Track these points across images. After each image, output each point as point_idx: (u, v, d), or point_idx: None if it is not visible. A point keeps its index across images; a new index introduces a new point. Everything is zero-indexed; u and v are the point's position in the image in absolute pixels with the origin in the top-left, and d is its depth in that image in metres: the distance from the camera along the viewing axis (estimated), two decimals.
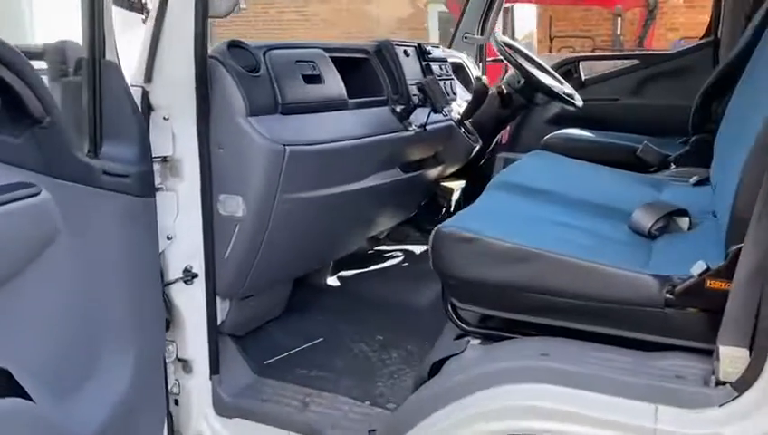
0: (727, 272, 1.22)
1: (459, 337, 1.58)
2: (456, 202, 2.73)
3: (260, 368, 1.86)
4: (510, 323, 1.49)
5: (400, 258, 2.67)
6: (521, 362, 1.35)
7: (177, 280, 1.61)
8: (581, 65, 3.24)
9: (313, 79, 1.83)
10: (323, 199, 1.83)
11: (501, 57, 3.68)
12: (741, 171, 1.21)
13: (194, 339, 1.67)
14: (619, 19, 10.48)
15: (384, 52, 2.26)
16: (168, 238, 1.58)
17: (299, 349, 1.98)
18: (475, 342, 1.53)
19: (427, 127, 2.25)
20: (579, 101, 2.70)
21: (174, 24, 1.47)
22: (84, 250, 1.13)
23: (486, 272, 1.40)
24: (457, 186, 2.75)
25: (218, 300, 1.71)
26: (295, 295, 2.16)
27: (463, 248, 1.42)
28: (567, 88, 2.78)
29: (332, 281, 2.44)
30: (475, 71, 3.13)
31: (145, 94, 1.49)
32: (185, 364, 1.70)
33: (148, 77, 1.49)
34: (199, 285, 1.64)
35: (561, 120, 3.18)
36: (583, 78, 3.24)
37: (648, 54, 3.22)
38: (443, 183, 2.70)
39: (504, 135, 3.11)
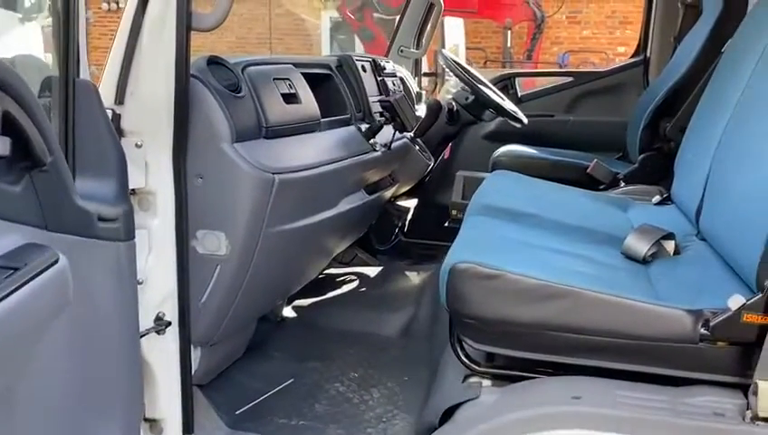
0: (765, 305, 1.20)
1: (466, 378, 1.48)
2: (410, 221, 2.64)
3: (233, 420, 1.66)
4: (524, 361, 1.40)
5: (355, 283, 2.53)
6: (554, 408, 1.27)
7: (148, 330, 1.39)
8: (517, 81, 3.26)
9: (291, 98, 1.66)
10: (303, 230, 1.66)
11: (433, 71, 3.66)
12: None
13: (165, 395, 1.46)
14: (509, 32, 10.86)
15: (345, 67, 2.13)
16: (139, 283, 1.35)
17: (270, 393, 1.80)
18: (486, 383, 1.44)
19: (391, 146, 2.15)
20: (524, 119, 2.70)
21: (152, 38, 1.26)
22: (81, 314, 0.92)
23: (512, 310, 1.31)
24: (411, 204, 2.65)
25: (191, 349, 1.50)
26: (254, 332, 1.97)
27: (485, 285, 1.32)
28: (511, 105, 2.77)
29: (289, 312, 2.26)
30: (415, 86, 3.05)
31: (116, 118, 1.27)
32: (153, 425, 1.48)
33: (120, 98, 1.27)
34: (172, 334, 1.43)
35: (499, 136, 3.18)
36: (519, 94, 3.26)
37: (582, 72, 3.31)
38: (397, 202, 2.60)
39: (446, 151, 3.06)
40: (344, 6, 11.46)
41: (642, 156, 2.55)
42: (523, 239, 1.62)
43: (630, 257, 1.63)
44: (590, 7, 11.62)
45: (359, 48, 12.28)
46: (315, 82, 1.95)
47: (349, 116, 2.06)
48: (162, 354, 1.43)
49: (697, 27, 2.70)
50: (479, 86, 2.64)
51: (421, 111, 2.82)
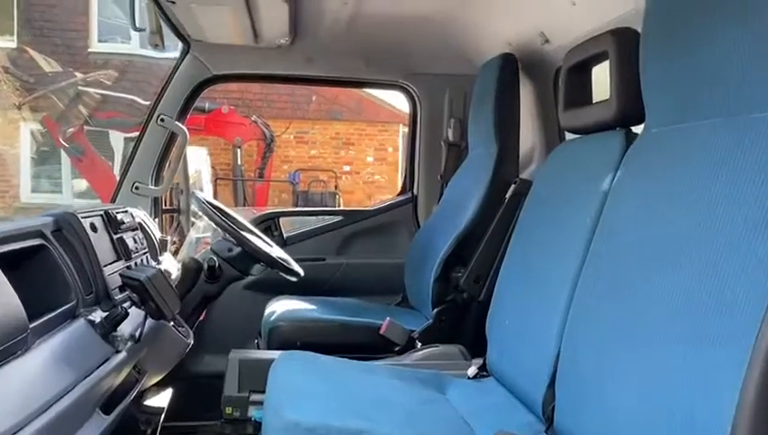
0: None
1: None
2: (162, 428, 1.95)
3: None
4: None
5: None
6: None
7: None
8: (282, 221, 2.84)
9: None
10: None
11: (175, 207, 3.07)
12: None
13: None
14: (239, 150, 10.70)
15: (67, 231, 1.47)
16: None
17: None
18: None
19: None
20: (300, 271, 2.28)
21: None
22: None
23: None
24: (163, 403, 1.97)
25: None
26: None
27: None
28: (283, 254, 2.32)
29: None
30: (157, 231, 2.43)
31: None
32: None
33: None
34: None
35: (263, 286, 2.71)
36: (285, 235, 2.84)
37: (351, 210, 3.02)
38: (145, 402, 1.90)
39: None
40: (48, 118, 10.22)
41: (436, 310, 2.27)
42: None
43: None
44: (316, 128, 12.07)
45: (66, 164, 10.92)
46: (17, 261, 1.27)
47: (74, 304, 1.39)
48: None
49: (468, 167, 2.59)
50: (246, 235, 2.16)
51: (168, 262, 2.21)
